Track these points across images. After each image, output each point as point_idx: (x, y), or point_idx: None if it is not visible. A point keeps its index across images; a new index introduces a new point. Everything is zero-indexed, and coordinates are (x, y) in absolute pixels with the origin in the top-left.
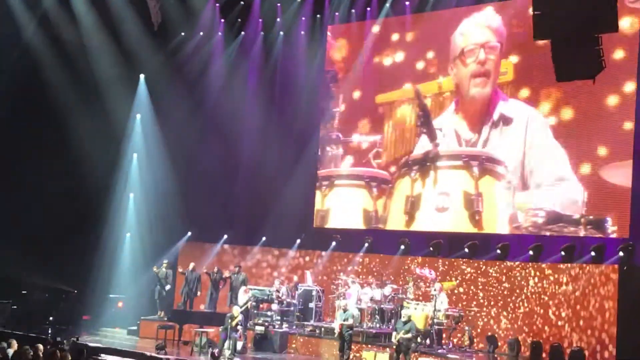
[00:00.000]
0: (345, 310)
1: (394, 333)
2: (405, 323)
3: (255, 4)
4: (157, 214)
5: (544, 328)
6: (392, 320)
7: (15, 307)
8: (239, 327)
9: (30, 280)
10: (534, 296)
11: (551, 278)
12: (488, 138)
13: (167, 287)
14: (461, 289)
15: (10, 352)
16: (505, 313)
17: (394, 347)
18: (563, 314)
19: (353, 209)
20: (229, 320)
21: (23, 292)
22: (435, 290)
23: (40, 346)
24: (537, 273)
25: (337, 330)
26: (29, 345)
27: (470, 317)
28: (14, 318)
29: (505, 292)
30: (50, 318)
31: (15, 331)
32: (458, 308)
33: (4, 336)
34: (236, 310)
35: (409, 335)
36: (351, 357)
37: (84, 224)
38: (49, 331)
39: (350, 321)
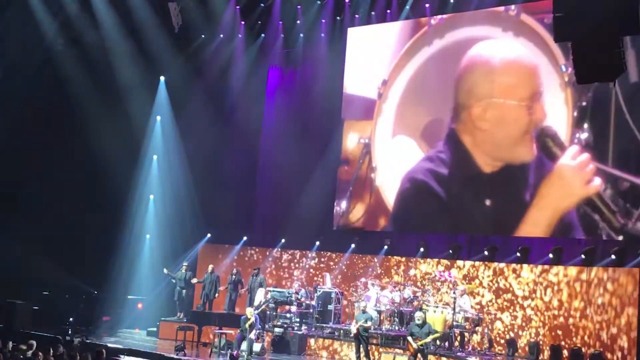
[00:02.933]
0: (364, 312)
1: (410, 338)
2: (421, 326)
3: (275, 6)
4: (177, 215)
5: (564, 332)
6: (410, 324)
7: (36, 307)
8: (253, 328)
9: (51, 281)
10: (553, 300)
11: (571, 282)
12: None
13: (184, 290)
14: (482, 292)
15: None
16: (525, 317)
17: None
18: (584, 318)
19: None
20: (244, 322)
21: (44, 292)
22: (455, 292)
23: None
24: (556, 276)
25: (354, 332)
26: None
27: (489, 320)
28: (34, 319)
29: (525, 295)
30: (70, 319)
31: (35, 332)
32: (477, 311)
33: (23, 337)
34: (249, 312)
35: (430, 338)
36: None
37: (104, 225)
38: (69, 332)
39: (369, 323)
